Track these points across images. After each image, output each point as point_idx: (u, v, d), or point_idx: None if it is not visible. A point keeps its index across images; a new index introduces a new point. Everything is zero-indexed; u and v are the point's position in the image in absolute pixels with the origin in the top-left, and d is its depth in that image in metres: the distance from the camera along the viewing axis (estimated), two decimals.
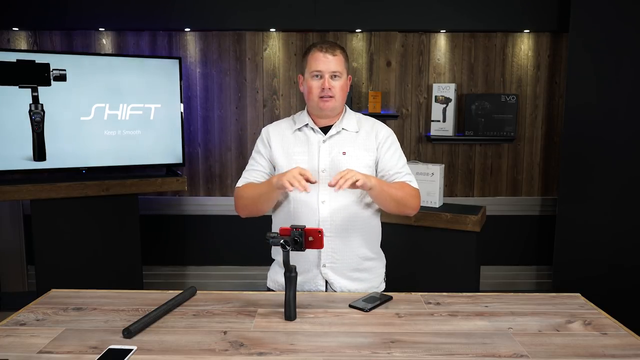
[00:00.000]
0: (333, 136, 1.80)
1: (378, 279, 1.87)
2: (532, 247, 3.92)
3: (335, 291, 1.77)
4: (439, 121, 3.67)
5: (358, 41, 3.76)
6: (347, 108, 1.86)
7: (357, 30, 3.72)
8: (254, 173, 1.83)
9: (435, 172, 3.00)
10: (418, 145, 3.85)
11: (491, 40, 3.76)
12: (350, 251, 1.77)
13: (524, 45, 3.76)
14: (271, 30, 3.71)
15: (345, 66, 1.78)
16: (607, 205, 3.22)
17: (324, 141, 1.79)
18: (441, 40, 3.77)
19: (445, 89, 3.64)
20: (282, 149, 1.81)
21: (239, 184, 1.83)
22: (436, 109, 3.67)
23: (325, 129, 1.81)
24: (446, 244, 2.92)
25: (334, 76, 1.75)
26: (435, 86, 3.67)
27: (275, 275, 1.86)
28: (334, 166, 1.76)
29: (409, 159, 3.75)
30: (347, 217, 1.75)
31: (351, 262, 1.78)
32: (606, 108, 3.19)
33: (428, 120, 3.77)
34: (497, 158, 3.86)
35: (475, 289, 2.99)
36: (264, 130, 1.89)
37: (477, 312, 1.54)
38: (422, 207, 3.01)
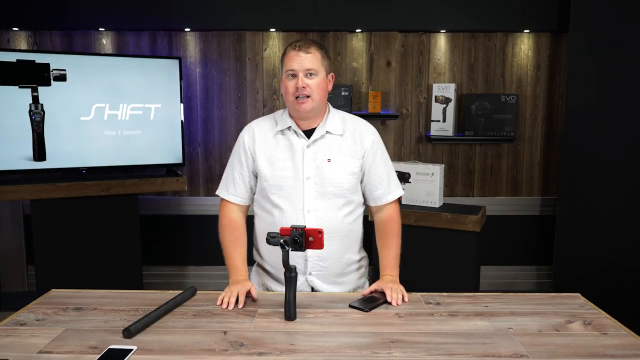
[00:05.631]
0: (317, 140, 1.73)
1: (362, 279, 1.88)
2: (532, 247, 3.92)
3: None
4: (439, 121, 3.67)
5: (358, 41, 3.76)
6: (331, 107, 1.79)
7: (357, 30, 3.72)
8: (237, 187, 1.80)
9: (435, 172, 3.00)
10: (418, 145, 3.85)
11: (491, 40, 3.76)
12: (336, 258, 1.76)
13: (524, 45, 3.76)
14: (271, 30, 3.71)
15: (322, 63, 1.69)
16: (607, 206, 3.21)
17: (307, 146, 1.73)
18: (441, 40, 3.77)
19: (445, 89, 3.64)
20: (265, 155, 1.75)
21: (222, 193, 1.82)
22: (436, 109, 3.67)
23: (308, 132, 1.75)
24: (446, 244, 2.92)
25: (309, 74, 1.66)
26: (435, 86, 3.67)
27: (261, 278, 1.85)
28: (319, 173, 1.71)
29: (408, 159, 3.80)
30: (332, 225, 1.72)
31: (336, 268, 1.77)
32: (606, 108, 3.19)
33: (428, 120, 3.77)
34: (497, 158, 3.86)
35: (475, 289, 2.99)
36: (247, 132, 1.80)
37: (477, 312, 1.54)
38: (422, 207, 3.02)
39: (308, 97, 1.67)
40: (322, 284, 1.76)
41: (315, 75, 1.67)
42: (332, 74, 1.77)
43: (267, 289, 1.83)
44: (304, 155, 1.72)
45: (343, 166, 1.73)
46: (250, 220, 1.87)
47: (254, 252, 1.89)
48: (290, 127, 1.75)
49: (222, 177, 1.85)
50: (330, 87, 1.75)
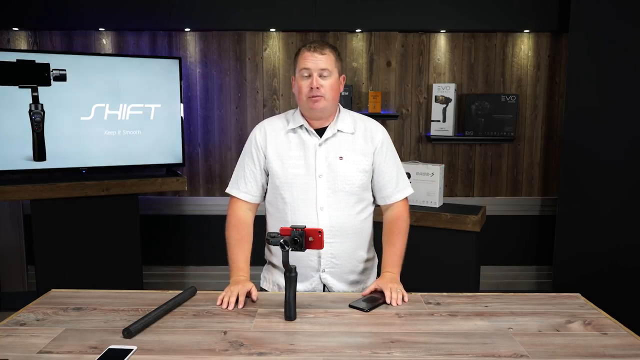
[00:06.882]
0: (329, 139, 1.75)
1: (372, 278, 1.89)
2: (532, 247, 3.92)
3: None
4: (439, 121, 3.67)
5: (358, 41, 3.76)
6: (341, 107, 1.82)
7: (357, 30, 3.72)
8: (248, 184, 1.79)
9: (435, 172, 3.00)
10: (418, 145, 3.85)
11: (491, 40, 3.76)
12: (349, 255, 1.77)
13: (524, 45, 3.76)
14: (271, 30, 3.71)
15: (335, 65, 1.72)
16: (607, 205, 3.22)
17: (320, 144, 1.74)
18: (441, 40, 3.77)
19: (445, 89, 3.64)
20: (277, 152, 1.76)
21: (232, 191, 1.81)
22: (436, 109, 3.67)
23: (320, 131, 1.77)
24: (446, 244, 2.92)
25: (323, 74, 1.69)
26: (435, 86, 3.67)
27: (273, 276, 1.85)
28: (331, 171, 1.73)
29: (408, 159, 3.80)
30: (345, 222, 1.74)
31: (349, 265, 1.78)
32: (606, 108, 3.19)
33: (428, 120, 3.77)
34: (497, 158, 3.86)
35: (475, 289, 2.99)
36: (258, 130, 1.81)
37: (477, 312, 1.54)
38: (422, 207, 3.02)
39: (321, 96, 1.69)
40: (335, 282, 1.77)
41: (328, 76, 1.70)
42: (343, 75, 1.79)
43: (279, 287, 1.83)
44: (316, 153, 1.74)
45: (355, 164, 1.75)
46: (260, 220, 1.86)
47: (266, 250, 1.89)
48: (302, 125, 1.76)
49: (232, 175, 1.85)
50: (341, 88, 1.77)
